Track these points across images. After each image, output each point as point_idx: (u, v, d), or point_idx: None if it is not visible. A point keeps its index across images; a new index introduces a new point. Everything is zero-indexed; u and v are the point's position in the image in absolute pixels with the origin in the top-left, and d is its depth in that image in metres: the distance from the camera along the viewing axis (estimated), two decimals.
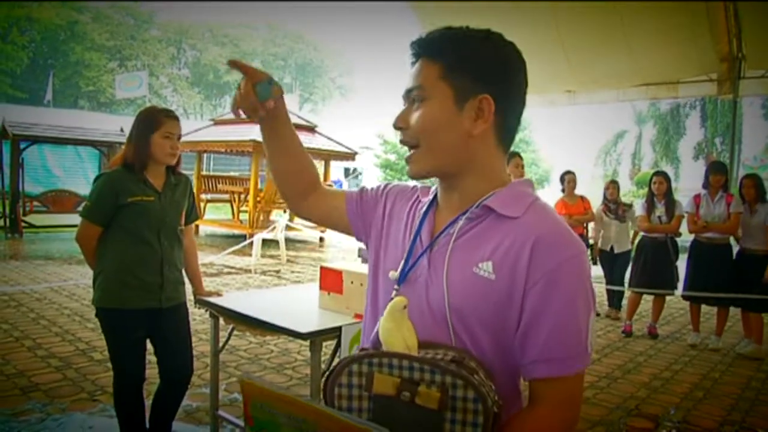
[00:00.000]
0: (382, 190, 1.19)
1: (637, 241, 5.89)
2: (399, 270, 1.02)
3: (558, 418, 0.91)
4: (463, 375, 0.83)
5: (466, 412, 0.82)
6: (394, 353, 0.87)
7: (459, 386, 0.82)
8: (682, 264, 5.54)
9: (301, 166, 1.21)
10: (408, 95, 1.00)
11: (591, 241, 6.52)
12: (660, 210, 5.51)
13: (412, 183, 1.20)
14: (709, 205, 5.18)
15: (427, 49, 0.99)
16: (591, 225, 6.57)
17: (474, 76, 0.95)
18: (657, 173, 5.81)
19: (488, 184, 0.99)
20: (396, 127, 1.02)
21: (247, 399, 0.86)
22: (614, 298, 6.44)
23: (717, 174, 5.22)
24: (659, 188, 5.53)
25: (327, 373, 0.92)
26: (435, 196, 1.08)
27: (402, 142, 1.02)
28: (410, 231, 1.06)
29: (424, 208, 1.06)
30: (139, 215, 2.39)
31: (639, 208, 5.75)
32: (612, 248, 6.29)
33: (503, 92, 0.97)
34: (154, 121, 2.39)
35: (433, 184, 1.12)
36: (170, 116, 2.44)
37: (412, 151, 1.01)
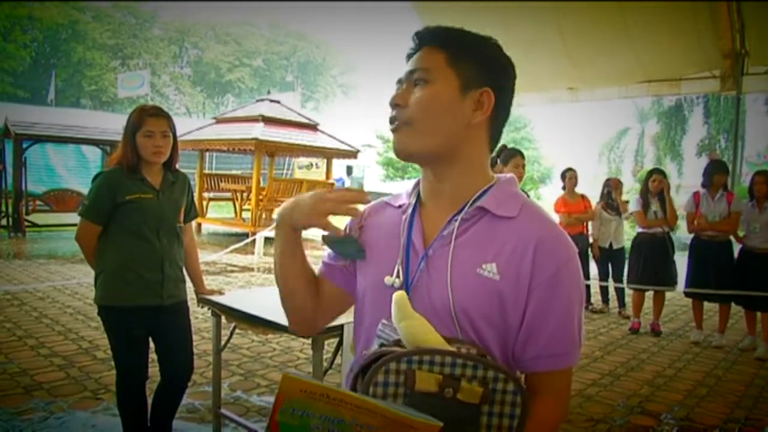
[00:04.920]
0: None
1: (633, 238, 5.91)
2: (395, 275, 1.00)
3: (560, 406, 0.99)
4: (504, 369, 0.86)
5: (504, 404, 0.85)
6: (433, 350, 0.86)
7: (500, 380, 0.85)
8: (679, 260, 5.56)
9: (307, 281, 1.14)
10: (410, 76, 1.00)
11: (591, 240, 6.53)
12: (655, 205, 5.55)
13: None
14: (710, 203, 5.18)
15: (432, 39, 1.01)
16: (590, 223, 6.57)
17: (479, 68, 0.99)
18: (657, 171, 5.83)
19: (476, 180, 1.01)
20: (393, 104, 1.00)
21: (281, 399, 0.83)
22: (620, 297, 6.46)
23: (720, 173, 5.21)
24: (659, 186, 5.57)
25: (357, 372, 0.90)
26: (418, 198, 1.07)
27: (393, 118, 1.00)
28: (398, 235, 1.04)
29: (410, 210, 1.05)
30: (137, 213, 2.39)
31: (634, 205, 5.77)
32: (611, 244, 6.31)
33: (502, 88, 1.01)
34: (135, 121, 2.39)
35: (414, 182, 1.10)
36: (151, 114, 2.41)
37: (402, 128, 0.99)
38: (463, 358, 0.85)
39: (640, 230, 5.75)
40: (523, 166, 4.13)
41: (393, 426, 0.78)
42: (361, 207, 1.05)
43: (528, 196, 1.16)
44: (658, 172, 5.78)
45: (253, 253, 8.59)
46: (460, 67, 0.98)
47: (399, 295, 0.92)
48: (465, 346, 0.90)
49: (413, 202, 1.06)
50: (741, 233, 5.21)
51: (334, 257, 1.14)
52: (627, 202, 6.60)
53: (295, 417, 0.83)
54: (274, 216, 1.09)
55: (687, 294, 5.42)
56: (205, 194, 12.64)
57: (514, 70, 1.03)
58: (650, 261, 5.53)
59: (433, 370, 0.85)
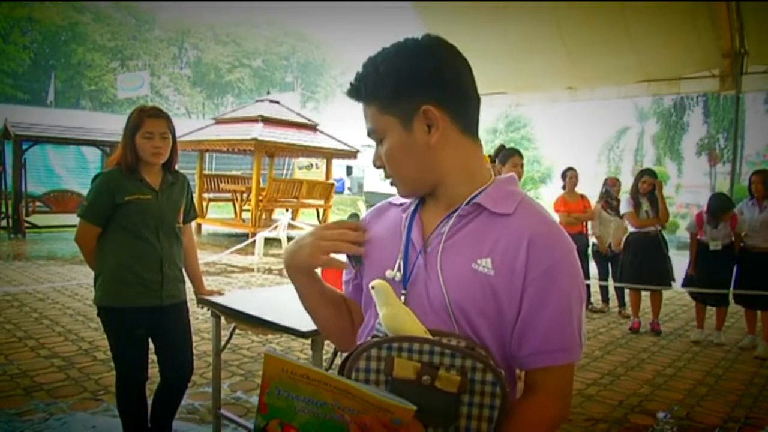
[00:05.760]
0: None
1: (626, 237, 5.90)
2: (396, 268, 1.02)
3: (557, 404, 0.97)
4: (482, 358, 0.86)
5: (484, 395, 0.85)
6: (413, 337, 0.87)
7: (478, 369, 0.85)
8: (677, 258, 5.57)
9: (341, 309, 1.19)
10: (372, 137, 1.05)
11: (592, 240, 6.53)
12: (646, 205, 5.57)
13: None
14: (712, 231, 5.17)
15: (359, 97, 1.03)
16: (589, 223, 6.57)
17: (407, 97, 0.97)
18: (648, 173, 5.83)
19: (471, 184, 1.01)
20: (376, 166, 1.06)
21: (267, 380, 0.84)
22: (620, 296, 6.46)
23: (727, 213, 5.10)
24: (648, 187, 5.59)
25: (344, 360, 0.92)
26: (420, 198, 1.09)
27: (386, 177, 1.07)
28: (399, 233, 1.06)
29: (412, 208, 1.07)
30: (137, 214, 2.39)
31: (626, 205, 5.77)
32: (610, 245, 6.30)
33: (442, 94, 0.97)
34: (134, 121, 2.39)
35: None
36: (151, 115, 2.41)
37: (393, 181, 1.06)
38: (441, 347, 0.86)
39: (632, 230, 5.76)
40: (522, 165, 4.13)
41: (372, 410, 0.79)
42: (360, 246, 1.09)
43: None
44: (648, 174, 5.79)
45: (253, 253, 8.59)
46: (392, 109, 0.98)
47: (380, 282, 0.94)
48: (455, 339, 0.90)
49: (415, 200, 1.09)
50: (742, 233, 5.21)
51: (348, 272, 1.18)
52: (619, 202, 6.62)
53: (281, 398, 0.84)
54: (282, 256, 1.16)
55: (690, 294, 5.43)
56: (205, 195, 12.64)
57: (444, 57, 0.98)
58: (644, 260, 5.52)
59: (412, 358, 0.86)
